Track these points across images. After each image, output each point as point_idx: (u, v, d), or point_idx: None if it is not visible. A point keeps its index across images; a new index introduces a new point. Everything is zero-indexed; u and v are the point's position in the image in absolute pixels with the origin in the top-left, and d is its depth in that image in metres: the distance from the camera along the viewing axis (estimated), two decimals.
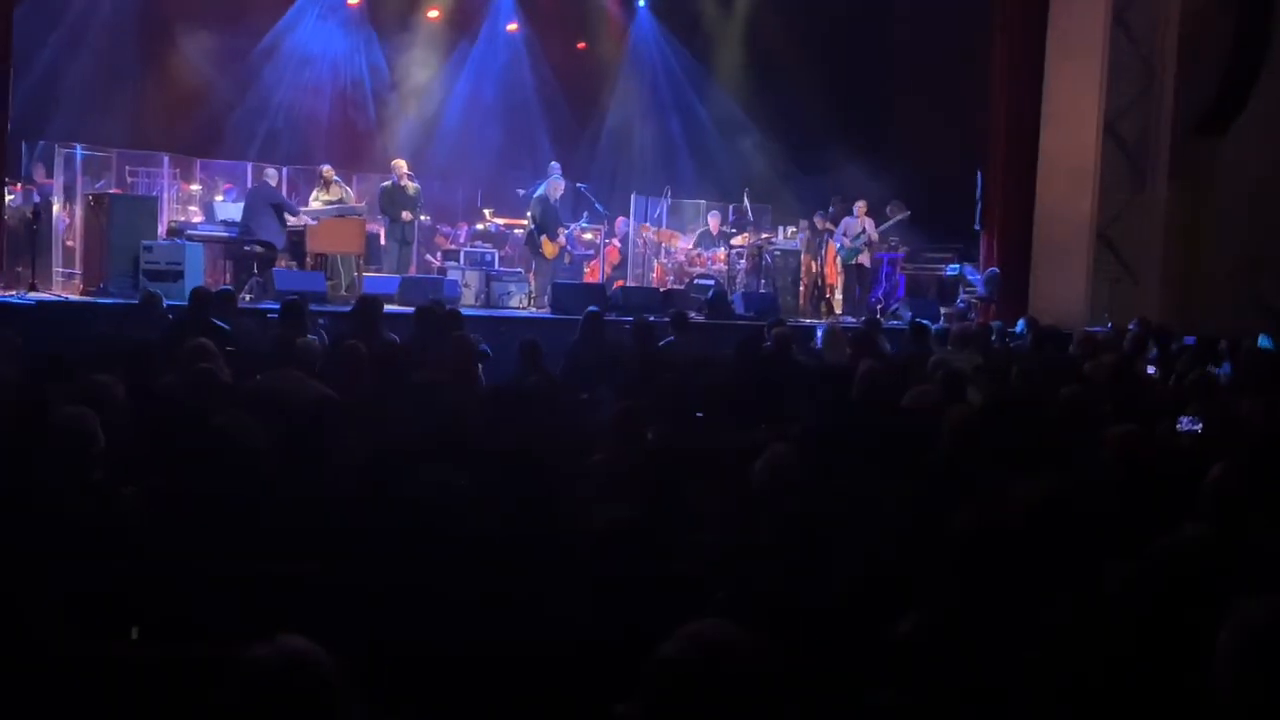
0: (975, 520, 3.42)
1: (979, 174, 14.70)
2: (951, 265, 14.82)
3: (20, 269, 11.33)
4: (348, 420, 5.33)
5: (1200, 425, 5.23)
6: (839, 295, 15.07)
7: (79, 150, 12.55)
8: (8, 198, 11.83)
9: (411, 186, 13.47)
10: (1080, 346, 9.15)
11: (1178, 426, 5.32)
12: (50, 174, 12.62)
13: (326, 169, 13.31)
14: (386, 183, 13.45)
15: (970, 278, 14.30)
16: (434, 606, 3.22)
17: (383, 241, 13.44)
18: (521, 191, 14.49)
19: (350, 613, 3.24)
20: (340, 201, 13.04)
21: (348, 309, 9.09)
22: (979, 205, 14.57)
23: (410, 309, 9.18)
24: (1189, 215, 13.64)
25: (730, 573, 3.46)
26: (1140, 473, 4.61)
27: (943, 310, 13.58)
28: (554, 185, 13.61)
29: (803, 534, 3.59)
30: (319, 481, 4.34)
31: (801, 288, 14.97)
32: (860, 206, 14.72)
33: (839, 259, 14.86)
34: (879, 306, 14.82)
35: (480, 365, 7.98)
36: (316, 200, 13.07)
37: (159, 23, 14.55)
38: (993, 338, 9.99)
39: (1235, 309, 12.59)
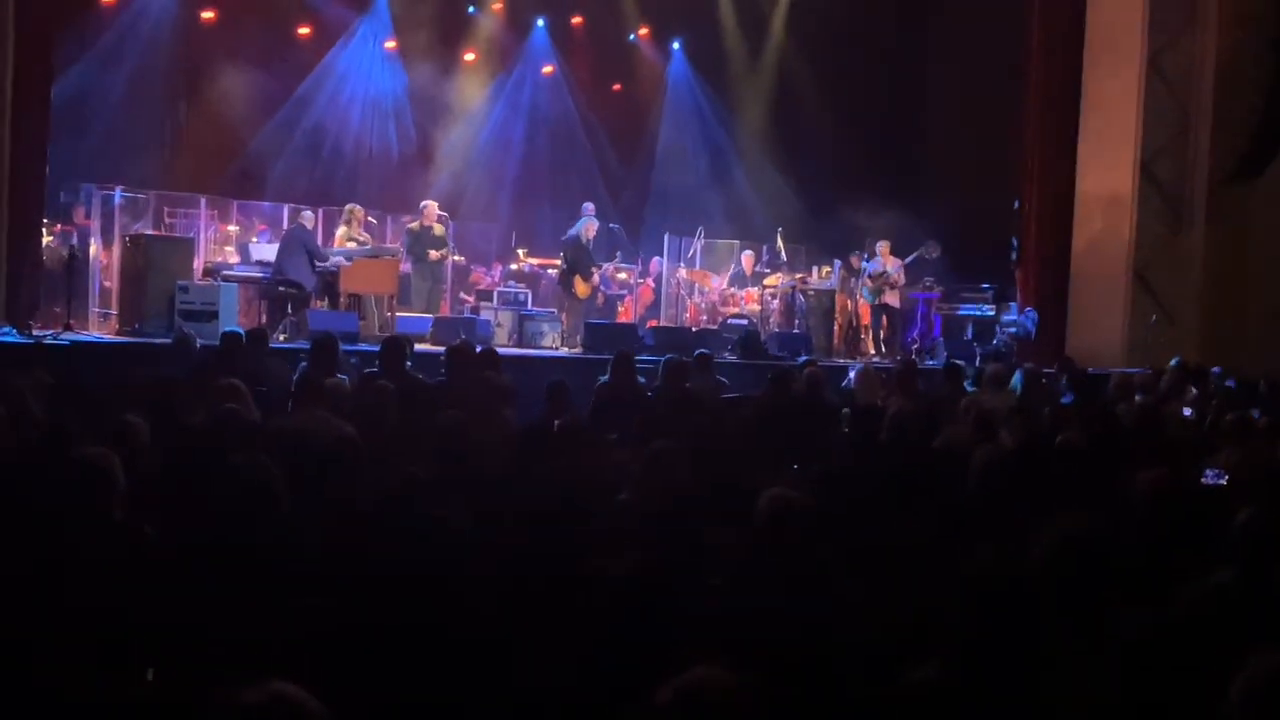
0: (996, 564, 3.37)
1: (1017, 215, 14.62)
2: (987, 306, 14.71)
3: (57, 309, 11.47)
4: (371, 460, 5.34)
5: (1226, 478, 5.13)
6: (869, 335, 14.99)
7: (117, 193, 12.73)
8: (46, 239, 12.04)
9: (439, 228, 13.57)
10: (1116, 389, 9.04)
11: (1203, 479, 5.22)
12: (88, 215, 12.80)
13: (356, 209, 13.40)
14: (414, 224, 13.56)
15: (1006, 321, 14.20)
16: (445, 651, 3.20)
17: (413, 282, 13.51)
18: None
19: (365, 655, 3.22)
20: (363, 242, 13.14)
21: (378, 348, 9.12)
22: (1015, 246, 14.48)
23: (442, 349, 9.19)
24: (1226, 257, 13.51)
25: (743, 617, 3.42)
26: (1168, 516, 4.54)
27: (979, 350, 13.47)
28: (587, 225, 13.67)
29: (813, 577, 3.55)
30: (336, 522, 4.33)
31: (836, 328, 14.90)
32: (883, 247, 14.64)
33: (865, 300, 14.82)
34: (915, 347, 14.72)
35: (510, 405, 7.98)
36: (343, 239, 13.17)
37: (196, 66, 14.76)
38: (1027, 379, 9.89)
39: (1274, 350, 12.39)
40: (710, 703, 2.08)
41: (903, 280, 14.63)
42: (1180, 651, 3.39)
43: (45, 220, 11.96)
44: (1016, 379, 9.03)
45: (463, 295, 14.99)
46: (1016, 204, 14.50)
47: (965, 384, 9.36)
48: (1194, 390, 9.34)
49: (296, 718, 1.96)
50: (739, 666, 2.20)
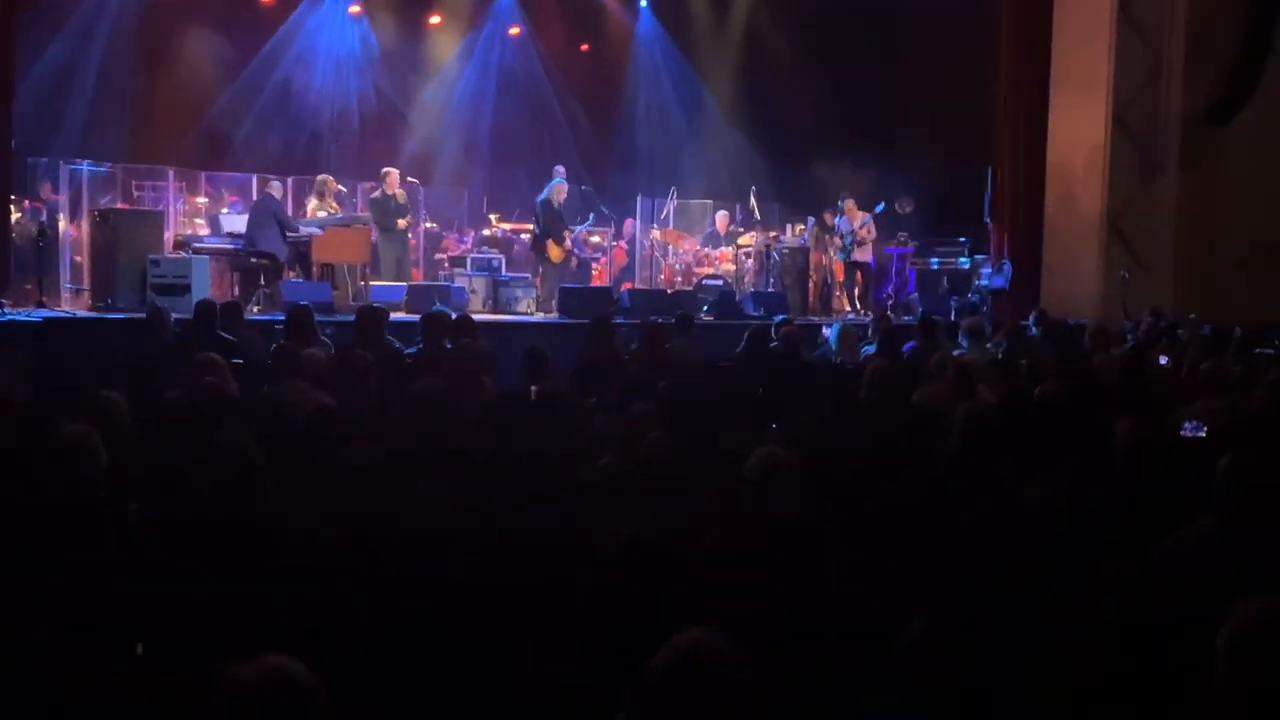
0: (981, 521, 3.40)
1: (989, 167, 14.62)
2: (962, 259, 14.75)
3: (28, 286, 11.37)
4: (351, 430, 5.32)
5: (1205, 430, 5.17)
6: (843, 292, 15.01)
7: (85, 166, 12.58)
8: (14, 215, 11.89)
9: (402, 195, 13.48)
10: (1092, 339, 9.09)
11: (1182, 431, 5.26)
12: (56, 190, 12.65)
13: (329, 180, 13.32)
14: (376, 193, 13.45)
15: (982, 275, 14.24)
16: (434, 622, 3.20)
17: (381, 252, 13.42)
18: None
19: (352, 630, 3.22)
20: (327, 213, 13.04)
21: (354, 318, 9.07)
22: (989, 198, 14.49)
23: (417, 317, 9.15)
24: (1200, 204, 13.54)
25: (731, 579, 3.43)
26: (1149, 466, 4.58)
27: (954, 304, 13.52)
28: (558, 189, 13.58)
29: (801, 538, 3.57)
30: (319, 495, 4.32)
31: (810, 285, 14.90)
32: (849, 203, 14.66)
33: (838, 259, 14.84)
34: (889, 302, 14.76)
35: (489, 373, 7.96)
36: (315, 211, 13.07)
37: (159, 38, 14.55)
38: (1001, 331, 9.95)
39: (1247, 297, 12.49)
40: (705, 665, 2.09)
41: (873, 234, 14.63)
42: (1165, 601, 3.43)
43: (13, 196, 11.81)
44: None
45: (439, 257, 14.92)
46: (990, 172, 14.45)
47: (940, 339, 9.40)
48: (1166, 340, 9.40)
49: (295, 693, 1.96)
50: (733, 628, 2.22)
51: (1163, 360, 8.50)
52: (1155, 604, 3.44)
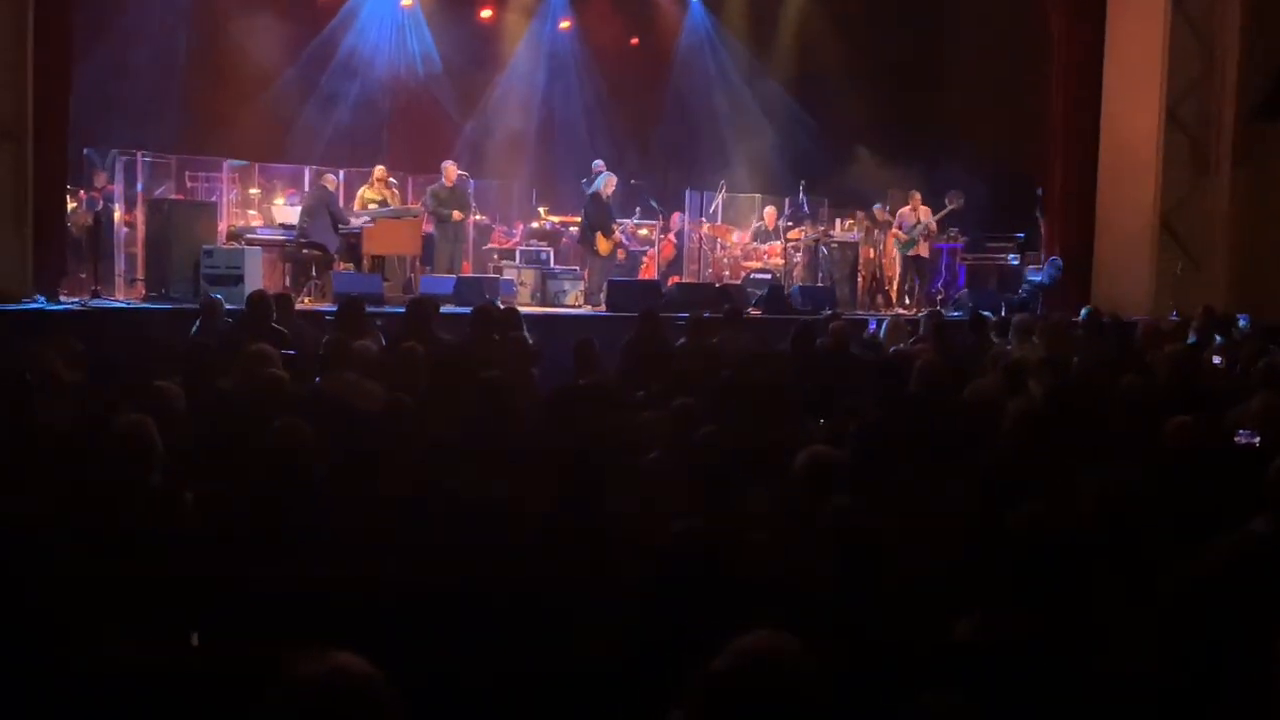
0: (1035, 519, 3.37)
1: (1041, 163, 14.48)
2: (1012, 255, 14.61)
3: (83, 275, 11.56)
4: (402, 422, 5.36)
5: (1258, 438, 5.07)
6: (895, 287, 14.91)
7: (140, 157, 12.77)
8: (71, 205, 12.09)
9: (459, 188, 13.56)
10: (1144, 336, 8.98)
11: (1236, 439, 5.16)
12: (112, 180, 12.84)
13: (380, 169, 13.43)
14: (434, 185, 13.54)
15: (1031, 270, 14.11)
16: (485, 614, 3.21)
17: (436, 243, 13.52)
18: (586, 180, 14.48)
19: (403, 619, 3.25)
20: (385, 203, 13.14)
21: (404, 309, 9.15)
22: (1040, 194, 14.34)
23: (466, 309, 9.21)
24: (1253, 201, 13.32)
25: (784, 576, 3.42)
26: (1200, 465, 4.52)
27: (1004, 300, 13.40)
28: (607, 181, 13.61)
29: (854, 535, 3.54)
30: (373, 485, 4.36)
31: (859, 280, 14.83)
32: (915, 197, 14.57)
33: (896, 251, 14.72)
34: (939, 297, 14.66)
35: (536, 365, 8.00)
36: (365, 199, 13.17)
37: (214, 30, 14.73)
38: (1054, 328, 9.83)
39: None
40: (773, 668, 2.07)
41: (935, 230, 14.54)
42: (1223, 601, 3.38)
43: (70, 187, 12.01)
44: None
45: (491, 248, 15.02)
46: (1040, 190, 14.28)
47: (990, 334, 9.33)
48: (1220, 338, 9.25)
49: (360, 691, 1.91)
50: (789, 627, 2.20)
51: (1215, 359, 8.38)
52: (1209, 606, 3.40)
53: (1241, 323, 9.55)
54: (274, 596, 3.36)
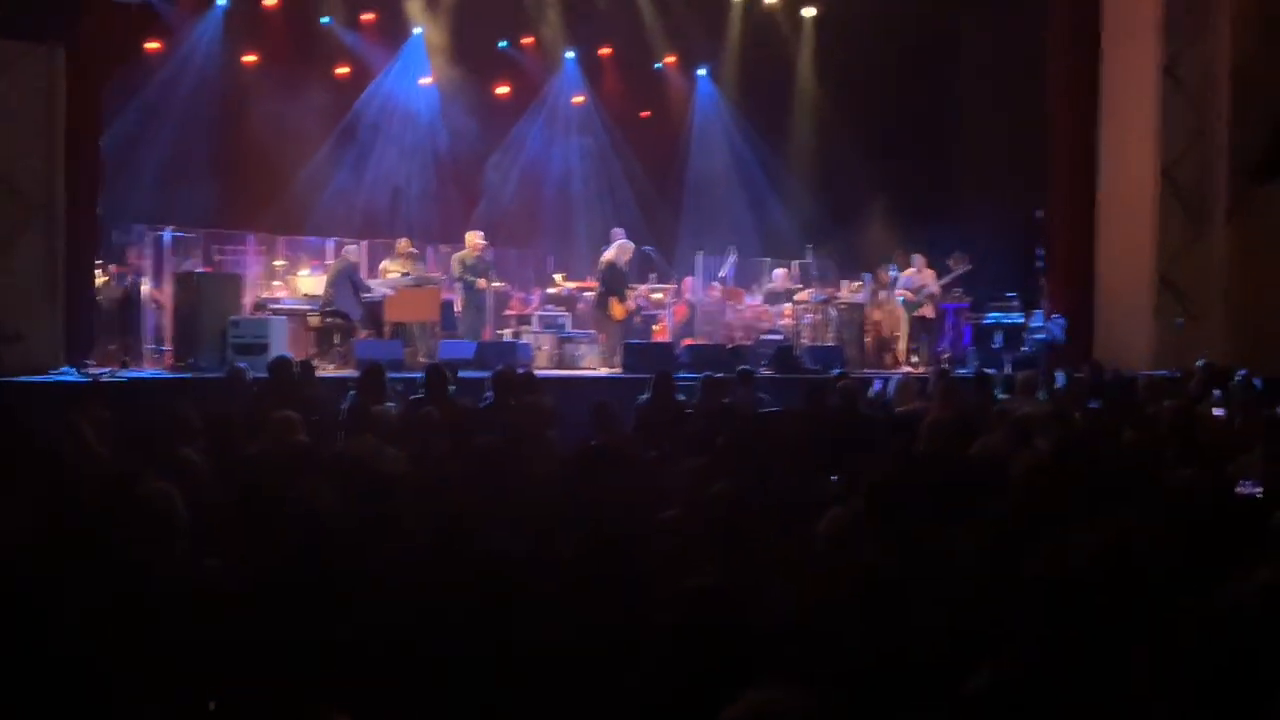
0: (1044, 571, 3.43)
1: (1040, 223, 14.69)
2: (1016, 314, 14.77)
3: (113, 347, 11.79)
4: (420, 486, 5.48)
5: (1261, 488, 5.14)
6: (902, 346, 15.08)
7: (168, 233, 13.06)
8: (101, 279, 12.37)
9: (481, 256, 13.81)
10: (1145, 390, 9.07)
11: (1238, 489, 5.23)
12: (141, 255, 13.13)
13: (402, 241, 13.72)
14: (460, 253, 13.81)
15: (1035, 328, 14.24)
16: (505, 675, 3.28)
17: (457, 309, 13.76)
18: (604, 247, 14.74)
19: (427, 681, 3.32)
20: (408, 274, 13.41)
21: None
22: (1040, 253, 14.54)
23: (486, 373, 9.39)
24: (1250, 256, 13.52)
25: (801, 631, 3.50)
26: (1205, 518, 4.57)
27: (1008, 358, 13.53)
28: (622, 249, 13.87)
29: (871, 590, 3.61)
30: (392, 549, 4.44)
31: (867, 340, 15.01)
32: (920, 260, 14.83)
33: (902, 311, 14.93)
34: (945, 356, 14.79)
35: (553, 427, 8.14)
36: (388, 270, 13.45)
37: (241, 107, 15.14)
38: (1057, 384, 9.95)
39: None
40: None
41: (938, 293, 14.74)
42: (1229, 652, 3.41)
43: (100, 261, 12.29)
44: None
45: (506, 314, 15.26)
46: (1038, 213, 14.52)
47: (995, 391, 9.44)
48: (1220, 391, 9.33)
49: None
50: (806, 679, 2.23)
51: (1217, 412, 8.46)
52: (1218, 655, 3.42)
53: (1238, 376, 9.64)
54: (297, 661, 3.41)
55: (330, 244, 14.33)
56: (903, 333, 15.05)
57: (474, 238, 13.85)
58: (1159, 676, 3.30)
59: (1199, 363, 10.36)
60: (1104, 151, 14.23)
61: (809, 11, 17.62)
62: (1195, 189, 13.75)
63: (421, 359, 12.26)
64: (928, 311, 14.74)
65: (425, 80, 16.71)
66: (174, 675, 3.35)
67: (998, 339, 14.74)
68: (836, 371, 11.03)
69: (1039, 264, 14.59)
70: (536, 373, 10.12)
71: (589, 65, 17.78)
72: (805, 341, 14.52)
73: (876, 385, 9.97)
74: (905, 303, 14.82)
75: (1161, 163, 13.63)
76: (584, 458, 5.95)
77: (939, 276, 14.85)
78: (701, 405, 8.73)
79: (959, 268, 15.00)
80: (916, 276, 14.79)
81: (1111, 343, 13.74)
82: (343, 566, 4.08)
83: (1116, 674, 3.15)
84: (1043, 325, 14.18)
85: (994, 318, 15.03)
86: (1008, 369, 11.83)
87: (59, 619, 3.45)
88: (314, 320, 12.53)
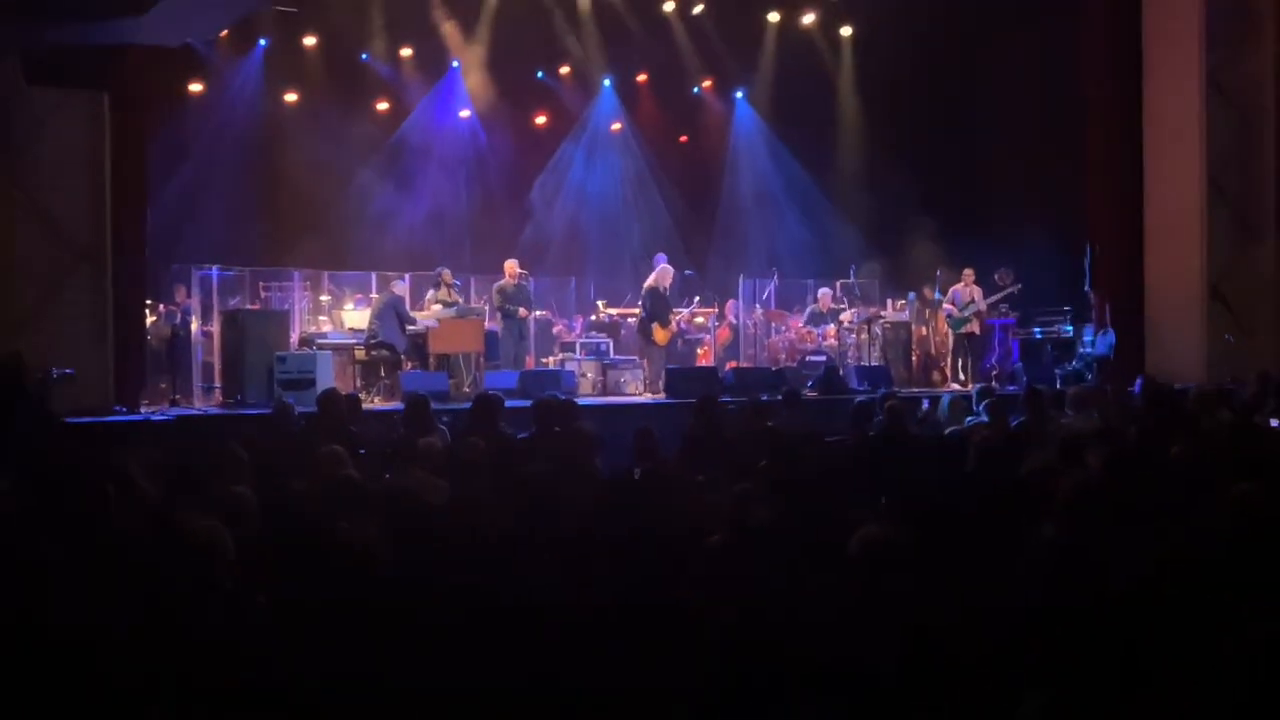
0: (1095, 591, 3.36)
1: (1088, 235, 14.52)
2: (1065, 327, 14.60)
3: (163, 385, 11.96)
4: (467, 517, 5.49)
5: None
6: (949, 364, 14.95)
7: (215, 271, 13.25)
8: (150, 319, 12.56)
9: (522, 285, 13.90)
10: (1196, 403, 8.90)
11: None
12: (189, 294, 13.33)
13: (445, 272, 13.83)
14: (499, 283, 13.91)
15: (1085, 342, 14.07)
16: (550, 703, 3.27)
17: (500, 338, 13.83)
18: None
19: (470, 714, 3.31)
20: (453, 303, 13.50)
21: (469, 405, 9.35)
22: (1088, 266, 14.37)
23: (529, 402, 9.42)
24: None
25: (840, 657, 3.45)
26: (1262, 532, 4.48)
27: (1058, 373, 13.36)
28: (663, 274, 13.89)
29: (911, 616, 3.56)
30: (439, 584, 4.44)
31: (913, 359, 14.91)
32: (968, 275, 14.71)
33: (949, 329, 14.80)
34: (994, 373, 14.65)
35: (598, 454, 8.13)
36: (432, 302, 13.56)
37: (283, 145, 15.35)
38: (1109, 399, 9.79)
39: None
40: None
41: (985, 310, 14.63)
42: None
43: (148, 301, 12.48)
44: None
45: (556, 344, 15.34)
46: (1090, 249, 14.34)
47: (1046, 408, 9.30)
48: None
49: None
50: (848, 710, 2.18)
51: (1274, 423, 8.28)
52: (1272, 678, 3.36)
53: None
54: (344, 697, 3.41)
55: (374, 278, 14.47)
56: (949, 350, 14.92)
57: (512, 266, 13.93)
58: (1214, 701, 3.23)
59: (1254, 375, 10.16)
60: (1150, 163, 14.05)
61: (846, 31, 17.61)
62: (1244, 199, 13.53)
63: (466, 389, 12.34)
64: (974, 328, 14.61)
65: (464, 113, 16.88)
66: (225, 712, 3.35)
67: (1047, 354, 14.58)
68: (883, 391, 10.95)
69: (1088, 278, 14.41)
70: (580, 400, 10.12)
71: (626, 92, 17.89)
72: (851, 362, 14.43)
73: (924, 404, 9.87)
74: (951, 319, 14.70)
75: (1209, 173, 13.43)
76: (624, 485, 5.94)
77: (986, 293, 14.74)
78: (746, 429, 8.69)
79: (1006, 284, 14.88)
80: (964, 291, 14.68)
81: (1163, 356, 13.54)
82: (388, 603, 4.08)
83: (1170, 699, 3.08)
84: (1092, 340, 14.01)
85: (1042, 333, 14.88)
86: (1058, 385, 11.67)
87: (105, 656, 3.47)
88: (360, 354, 12.63)
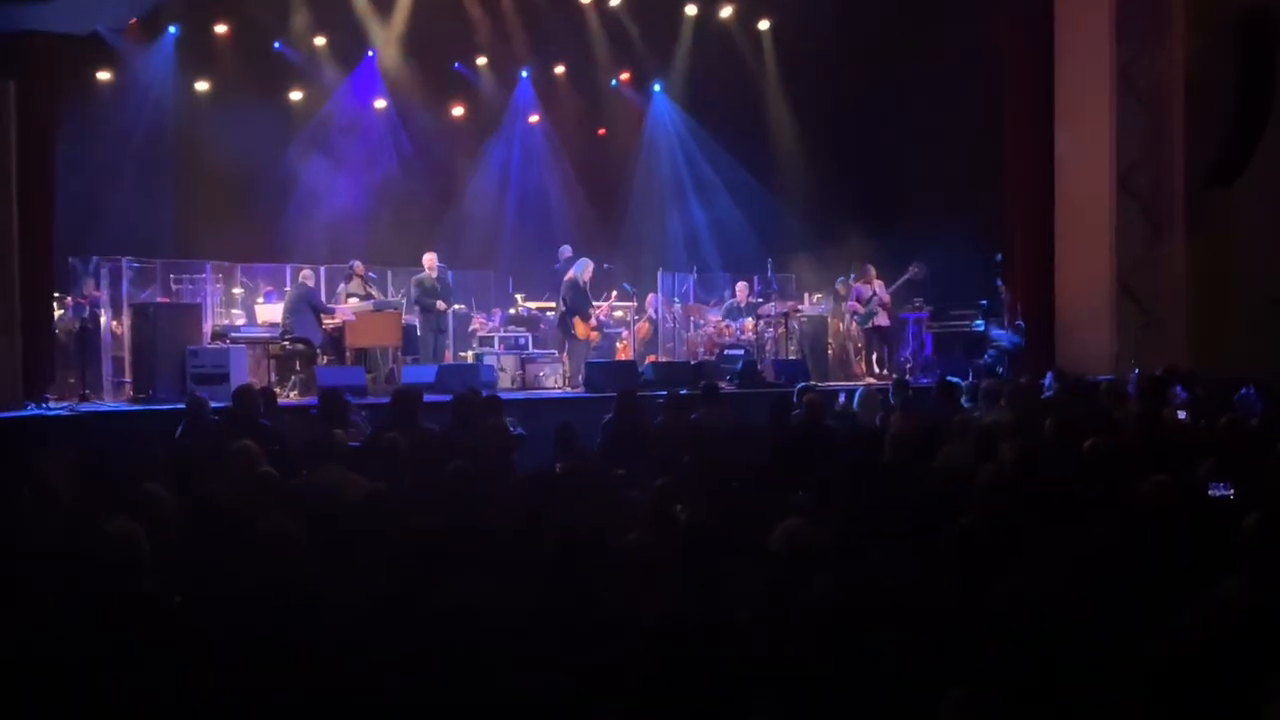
0: (1013, 587, 3.41)
1: (999, 230, 14.83)
2: (977, 322, 14.88)
3: (71, 380, 11.65)
4: (385, 513, 5.44)
5: (1232, 490, 5.14)
6: (863, 358, 15.19)
7: (125, 263, 12.95)
8: (57, 312, 12.23)
9: (439, 278, 13.79)
10: (1108, 395, 9.13)
11: (1209, 492, 5.23)
12: (98, 287, 13.01)
13: (358, 265, 13.66)
14: (418, 276, 13.78)
15: (995, 336, 14.35)
16: (470, 701, 3.25)
17: (419, 332, 13.71)
18: (558, 265, 14.77)
19: (391, 711, 3.29)
20: (367, 296, 13.35)
21: (387, 400, 9.27)
22: (1000, 260, 14.68)
23: (448, 396, 9.36)
24: (1209, 261, 13.64)
25: (767, 656, 3.48)
26: (1174, 524, 4.56)
27: (970, 366, 13.63)
28: (585, 269, 13.88)
29: (833, 611, 3.59)
30: (358, 581, 4.41)
31: (830, 352, 15.10)
32: (870, 271, 15.01)
33: (857, 325, 15.07)
34: (908, 366, 14.89)
35: (517, 451, 8.11)
36: (345, 295, 13.39)
37: (193, 135, 15.09)
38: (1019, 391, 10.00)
39: (1258, 352, 12.48)
40: None
41: (888, 301, 14.89)
42: (1201, 664, 3.37)
43: (56, 294, 12.16)
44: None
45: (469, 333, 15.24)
46: (999, 257, 14.66)
47: (960, 400, 9.48)
48: (1185, 394, 9.42)
49: None
50: (774, 708, 2.18)
51: (1180, 415, 8.52)
52: (1192, 669, 3.39)
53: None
54: (266, 696, 3.38)
55: (288, 270, 14.25)
56: (863, 344, 15.15)
57: (431, 259, 13.82)
58: (1132, 693, 3.28)
59: (1160, 367, 10.45)
60: (1061, 158, 14.35)
61: (764, 24, 17.73)
62: (1153, 196, 13.87)
63: (384, 384, 12.21)
64: (881, 321, 14.89)
65: (380, 103, 16.68)
66: (144, 714, 3.31)
67: (959, 347, 14.85)
68: (801, 385, 11.06)
69: (999, 272, 14.72)
70: (500, 394, 10.08)
71: (544, 84, 17.81)
72: (769, 355, 14.56)
73: (841, 398, 10.00)
74: (857, 315, 14.99)
75: (1118, 169, 13.76)
76: (543, 481, 5.93)
77: (888, 285, 15.00)
78: (666, 423, 8.73)
79: (911, 273, 15.12)
80: (865, 287, 14.97)
81: (1073, 349, 13.85)
82: (308, 602, 4.04)
83: (1089, 692, 3.14)
84: (1004, 333, 14.30)
85: (954, 326, 15.15)
86: (970, 377, 11.90)
87: (24, 661, 3.39)
88: (275, 348, 12.43)
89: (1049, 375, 10.71)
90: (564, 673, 3.40)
